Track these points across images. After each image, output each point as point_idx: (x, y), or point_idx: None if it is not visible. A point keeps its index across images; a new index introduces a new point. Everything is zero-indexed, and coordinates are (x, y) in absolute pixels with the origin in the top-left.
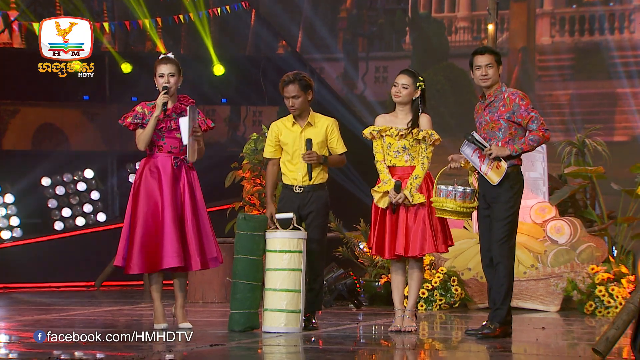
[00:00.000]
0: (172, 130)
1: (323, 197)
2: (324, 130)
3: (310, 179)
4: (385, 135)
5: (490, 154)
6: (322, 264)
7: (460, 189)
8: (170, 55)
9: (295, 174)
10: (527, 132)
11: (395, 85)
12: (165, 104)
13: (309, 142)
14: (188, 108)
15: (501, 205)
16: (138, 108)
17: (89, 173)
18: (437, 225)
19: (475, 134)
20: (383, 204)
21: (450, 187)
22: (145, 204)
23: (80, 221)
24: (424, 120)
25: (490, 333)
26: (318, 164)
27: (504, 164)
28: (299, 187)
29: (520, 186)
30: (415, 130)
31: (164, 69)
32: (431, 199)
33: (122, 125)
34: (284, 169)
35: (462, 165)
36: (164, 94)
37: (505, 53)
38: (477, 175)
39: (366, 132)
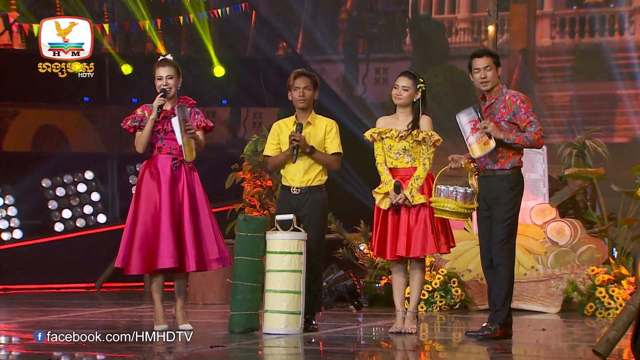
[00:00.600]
0: (170, 132)
1: (320, 198)
2: (322, 130)
3: (294, 161)
4: (386, 137)
5: (485, 127)
6: (321, 266)
7: (461, 189)
8: (169, 57)
9: (293, 174)
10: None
11: (395, 88)
12: (160, 106)
13: (299, 125)
14: (176, 108)
15: (501, 206)
16: (138, 111)
17: (89, 174)
18: (439, 226)
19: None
20: (384, 205)
21: (450, 188)
22: (145, 206)
23: (80, 222)
24: (425, 121)
25: (491, 334)
26: (315, 163)
27: (492, 142)
28: (297, 188)
29: (520, 188)
30: (415, 132)
31: (162, 72)
32: (430, 199)
33: (123, 128)
34: (282, 170)
35: (463, 165)
36: (161, 96)
37: (506, 54)
38: (477, 177)
39: (367, 134)
